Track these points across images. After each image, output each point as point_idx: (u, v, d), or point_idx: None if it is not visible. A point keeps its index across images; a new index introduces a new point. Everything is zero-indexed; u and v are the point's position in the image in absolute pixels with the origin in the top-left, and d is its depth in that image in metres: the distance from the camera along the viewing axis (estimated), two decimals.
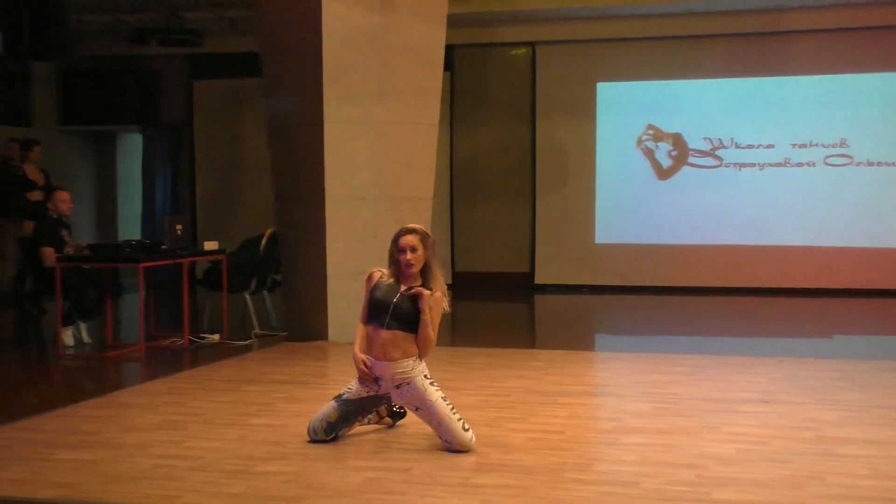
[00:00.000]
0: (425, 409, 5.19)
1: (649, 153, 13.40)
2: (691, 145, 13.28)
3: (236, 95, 14.64)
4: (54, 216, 9.09)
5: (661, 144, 13.38)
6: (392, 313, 5.23)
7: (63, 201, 9.10)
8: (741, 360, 7.84)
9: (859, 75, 12.72)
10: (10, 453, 5.19)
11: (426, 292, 5.21)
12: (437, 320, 5.27)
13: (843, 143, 12.76)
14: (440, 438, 5.17)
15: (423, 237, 5.35)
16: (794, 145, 12.92)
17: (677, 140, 13.33)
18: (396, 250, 5.34)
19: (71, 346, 8.74)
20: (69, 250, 8.91)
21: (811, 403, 6.24)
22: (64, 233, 9.06)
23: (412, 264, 5.27)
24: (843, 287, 12.55)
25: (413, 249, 5.27)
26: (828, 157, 12.82)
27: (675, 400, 6.40)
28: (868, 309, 11.63)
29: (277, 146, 9.41)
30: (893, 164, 12.63)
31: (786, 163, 12.95)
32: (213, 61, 14.42)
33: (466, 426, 5.14)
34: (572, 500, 4.35)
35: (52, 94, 14.46)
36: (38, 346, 9.73)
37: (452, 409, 5.17)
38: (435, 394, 5.19)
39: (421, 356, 5.26)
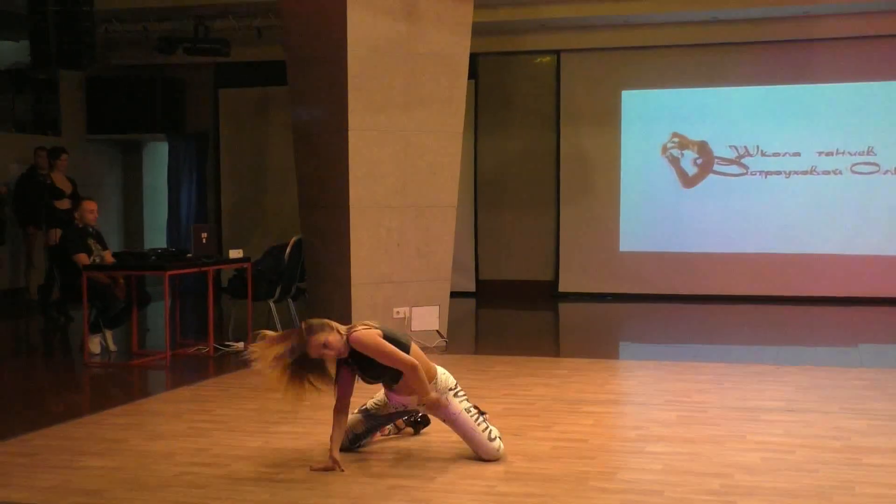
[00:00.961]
0: (451, 423, 5.19)
1: (674, 161, 13.35)
2: (717, 153, 13.22)
3: (262, 104, 14.71)
4: (80, 225, 9.14)
5: (686, 152, 13.33)
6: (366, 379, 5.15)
7: (90, 211, 9.15)
8: (767, 369, 7.79)
9: (887, 83, 12.61)
10: (38, 461, 5.22)
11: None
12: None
13: (870, 151, 12.66)
14: (470, 448, 5.16)
15: (310, 330, 4.96)
16: (820, 153, 12.83)
17: (702, 148, 13.27)
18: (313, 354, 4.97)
19: (97, 354, 8.78)
20: (96, 259, 8.97)
21: (838, 412, 6.19)
22: (91, 242, 9.12)
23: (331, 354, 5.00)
24: (870, 296, 12.44)
25: (326, 346, 4.94)
26: (855, 164, 12.73)
27: (700, 408, 6.37)
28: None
29: (302, 154, 9.45)
30: None
31: (812, 171, 12.86)
32: (239, 70, 14.48)
33: (493, 435, 5.12)
34: None
35: (79, 103, 14.56)
36: (65, 353, 9.79)
37: (478, 419, 5.15)
38: (458, 407, 5.15)
39: (422, 390, 5.05)
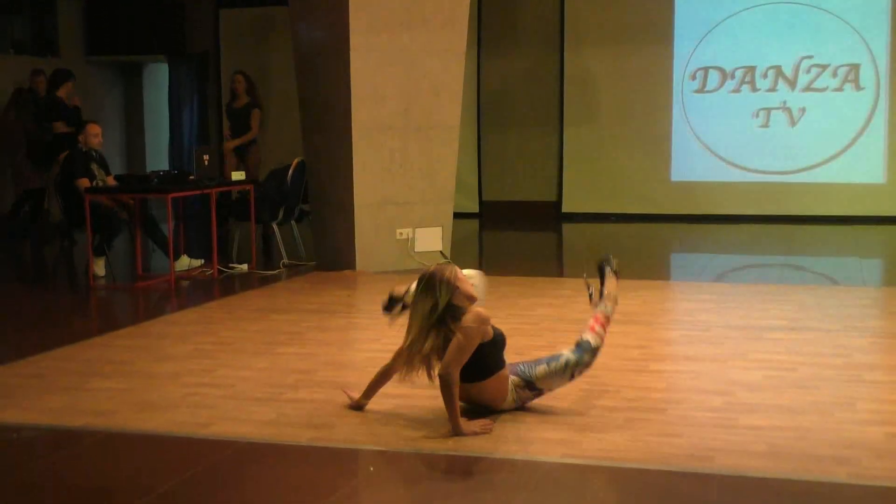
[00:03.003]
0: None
1: (679, 82, 13.22)
2: (723, 73, 13.08)
3: (264, 24, 14.54)
4: (84, 149, 9.11)
5: (695, 73, 13.20)
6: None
7: (94, 135, 9.10)
8: (770, 288, 7.82)
9: None
10: (46, 383, 5.27)
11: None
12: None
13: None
14: None
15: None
16: (829, 73, 12.69)
17: (711, 69, 13.13)
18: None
19: (102, 277, 8.81)
20: (98, 184, 8.96)
21: (840, 330, 6.22)
22: (94, 166, 9.09)
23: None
24: (874, 214, 12.40)
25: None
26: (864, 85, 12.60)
27: (703, 327, 6.40)
28: None
29: (304, 75, 9.37)
30: None
31: (825, 89, 12.72)
32: None
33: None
34: (600, 426, 4.38)
35: (77, 24, 14.41)
36: (70, 277, 9.82)
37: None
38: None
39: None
